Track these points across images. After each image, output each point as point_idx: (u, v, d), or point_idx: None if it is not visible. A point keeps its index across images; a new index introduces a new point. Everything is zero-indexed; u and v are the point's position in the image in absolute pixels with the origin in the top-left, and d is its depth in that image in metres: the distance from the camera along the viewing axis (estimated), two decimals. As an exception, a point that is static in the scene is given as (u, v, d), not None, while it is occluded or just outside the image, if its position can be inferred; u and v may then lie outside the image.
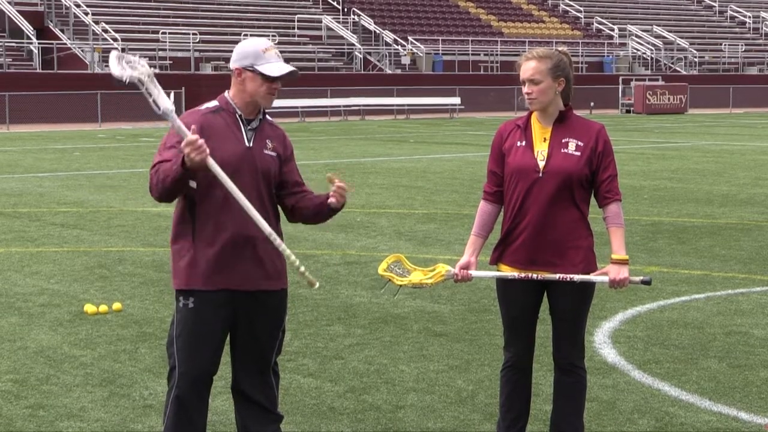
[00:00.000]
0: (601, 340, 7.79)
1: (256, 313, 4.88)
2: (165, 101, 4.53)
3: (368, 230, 13.14)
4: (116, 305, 8.79)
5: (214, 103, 4.87)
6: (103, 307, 8.70)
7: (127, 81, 4.53)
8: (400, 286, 5.24)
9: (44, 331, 8.09)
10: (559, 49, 5.18)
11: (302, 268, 4.61)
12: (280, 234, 4.96)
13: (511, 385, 5.32)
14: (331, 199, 4.85)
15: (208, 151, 4.47)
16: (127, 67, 4.53)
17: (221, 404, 6.21)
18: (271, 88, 4.78)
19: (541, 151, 5.08)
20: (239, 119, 4.82)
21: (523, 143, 5.12)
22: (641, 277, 5.17)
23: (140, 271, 10.48)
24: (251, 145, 4.81)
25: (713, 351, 7.51)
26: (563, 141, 5.08)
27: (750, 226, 13.59)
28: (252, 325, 4.89)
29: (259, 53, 4.75)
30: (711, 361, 7.26)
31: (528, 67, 5.07)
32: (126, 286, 9.75)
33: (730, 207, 15.45)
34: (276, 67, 4.76)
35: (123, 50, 4.64)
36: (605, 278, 5.06)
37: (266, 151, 4.84)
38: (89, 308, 8.67)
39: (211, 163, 4.52)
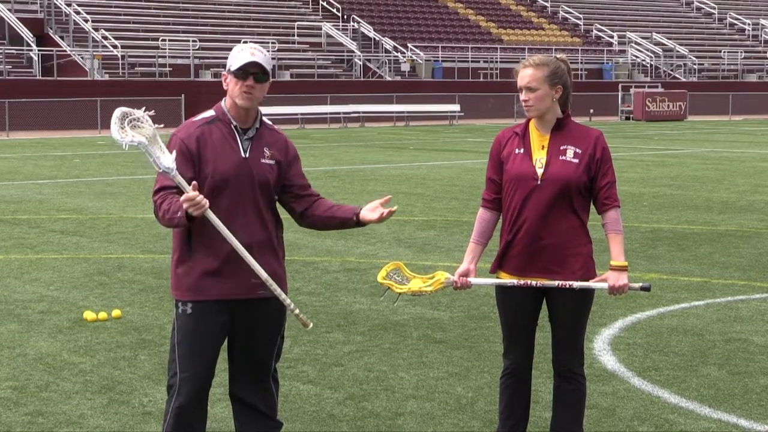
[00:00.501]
0: (601, 347, 7.79)
1: (255, 319, 4.88)
2: (166, 160, 4.61)
3: (368, 237, 13.13)
4: (115, 312, 8.79)
5: (210, 113, 4.87)
6: (102, 314, 8.70)
7: (126, 147, 4.61)
8: (400, 293, 5.24)
9: (43, 338, 8.09)
10: (557, 56, 5.19)
11: (297, 311, 4.78)
12: (281, 240, 4.96)
13: (510, 392, 5.32)
14: (372, 216, 4.85)
15: (207, 204, 4.57)
16: (128, 127, 4.61)
17: (220, 411, 6.20)
18: (244, 86, 4.73)
19: (540, 158, 5.09)
20: (234, 129, 4.81)
21: (522, 151, 5.12)
22: (640, 284, 5.17)
23: (140, 278, 10.47)
24: (247, 155, 4.80)
25: (713, 358, 7.51)
26: (561, 148, 5.08)
27: (749, 233, 13.59)
28: (251, 332, 4.89)
29: (235, 55, 4.77)
30: (711, 368, 7.25)
31: (525, 75, 5.08)
32: (125, 293, 9.75)
33: (730, 214, 15.46)
34: (240, 60, 4.74)
35: (129, 113, 4.71)
36: (604, 285, 5.06)
37: (264, 160, 4.83)
38: (88, 315, 8.67)
39: (210, 214, 4.62)
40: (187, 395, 4.83)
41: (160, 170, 4.63)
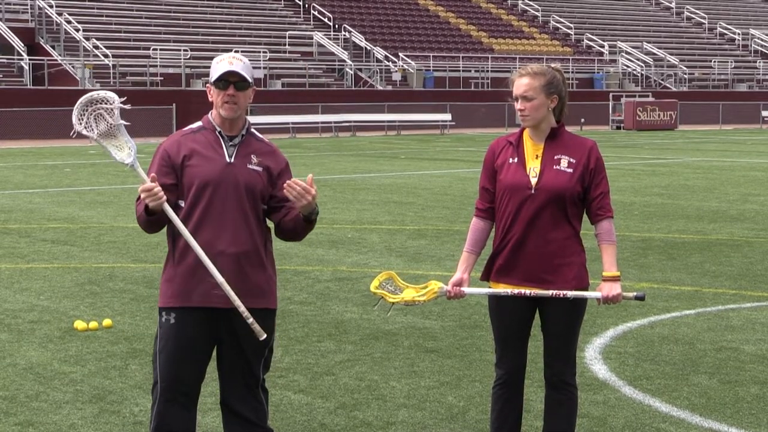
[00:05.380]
0: (592, 356, 7.79)
1: (240, 331, 4.85)
2: (120, 155, 4.78)
3: (359, 246, 13.13)
4: (106, 321, 8.76)
5: (197, 124, 4.94)
6: (93, 324, 8.67)
7: (75, 135, 4.83)
8: (393, 303, 5.23)
9: (34, 348, 8.06)
10: (553, 66, 5.20)
11: (251, 320, 4.72)
12: (269, 253, 4.94)
13: (502, 402, 5.31)
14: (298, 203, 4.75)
15: (164, 198, 4.65)
16: (91, 118, 4.79)
17: (211, 421, 6.19)
18: (225, 95, 4.77)
19: (533, 167, 5.09)
20: (219, 136, 4.84)
21: (515, 160, 5.12)
22: (634, 293, 5.16)
23: (130, 288, 10.45)
24: (232, 160, 4.81)
25: (704, 367, 7.51)
26: (555, 158, 5.09)
27: (740, 242, 13.62)
28: (237, 342, 4.88)
29: (215, 66, 4.82)
30: (701, 377, 7.26)
31: (521, 84, 5.08)
32: (116, 303, 9.73)
33: (721, 223, 15.48)
34: (218, 70, 4.78)
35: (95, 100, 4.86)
36: (598, 294, 5.06)
37: (250, 166, 4.83)
38: (79, 325, 8.64)
39: (167, 209, 4.68)
40: (167, 403, 4.83)
41: (121, 162, 4.77)
